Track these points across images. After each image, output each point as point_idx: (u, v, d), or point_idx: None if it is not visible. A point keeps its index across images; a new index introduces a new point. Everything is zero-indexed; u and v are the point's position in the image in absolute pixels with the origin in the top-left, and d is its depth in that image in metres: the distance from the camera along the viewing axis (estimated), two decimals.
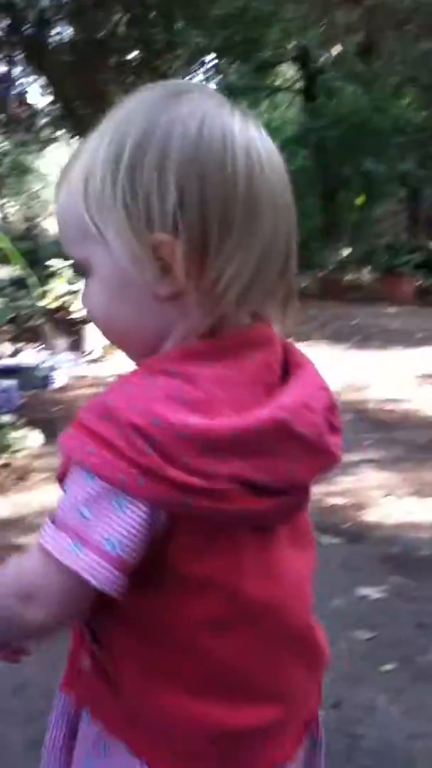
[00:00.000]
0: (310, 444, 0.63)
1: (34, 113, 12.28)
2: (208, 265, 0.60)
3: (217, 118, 0.61)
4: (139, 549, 0.59)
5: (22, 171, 15.55)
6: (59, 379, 5.42)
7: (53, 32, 10.61)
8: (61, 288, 6.27)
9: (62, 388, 5.34)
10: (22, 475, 3.39)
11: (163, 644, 0.66)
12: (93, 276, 0.65)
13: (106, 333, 0.68)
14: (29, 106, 12.25)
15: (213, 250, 0.60)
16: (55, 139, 13.18)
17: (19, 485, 3.29)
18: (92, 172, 0.61)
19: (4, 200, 16.16)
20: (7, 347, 5.88)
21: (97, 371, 5.94)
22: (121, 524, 0.58)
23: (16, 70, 11.84)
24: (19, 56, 11.34)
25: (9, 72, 11.92)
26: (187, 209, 0.59)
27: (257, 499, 0.60)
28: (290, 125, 13.19)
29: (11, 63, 11.71)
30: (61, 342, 6.20)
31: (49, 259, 6.53)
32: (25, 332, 6.09)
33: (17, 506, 3.04)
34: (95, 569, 0.58)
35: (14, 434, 3.57)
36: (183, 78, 10.60)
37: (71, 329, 6.22)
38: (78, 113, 10.46)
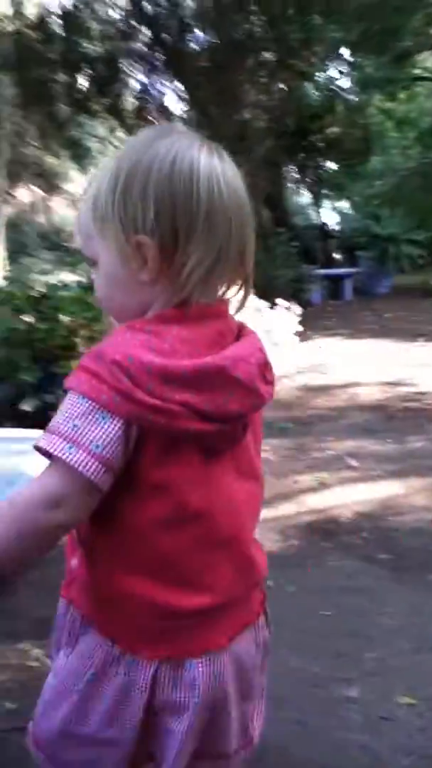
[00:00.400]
0: (243, 385, 0.84)
1: (171, 119, 12.65)
2: (175, 260, 0.84)
3: (186, 155, 0.84)
4: (117, 453, 0.80)
5: None
6: None
7: (191, 38, 10.87)
8: None
9: None
10: None
11: (125, 539, 0.87)
12: (98, 268, 0.91)
13: (107, 308, 0.94)
14: (166, 112, 12.64)
15: (179, 250, 0.84)
16: None
17: None
18: (98, 194, 0.87)
19: None
20: None
21: None
22: (103, 433, 0.79)
23: (155, 78, 12.27)
24: (158, 64, 11.73)
25: (149, 80, 12.37)
26: (161, 220, 0.83)
27: (201, 422, 0.82)
28: (429, 117, 12.69)
29: (152, 72, 12.14)
30: None
31: None
32: None
33: None
34: (87, 464, 0.78)
35: None
36: (321, 72, 10.51)
37: None
38: (213, 118, 10.64)
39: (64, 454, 0.79)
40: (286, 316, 6.56)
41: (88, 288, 3.86)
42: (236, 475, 0.92)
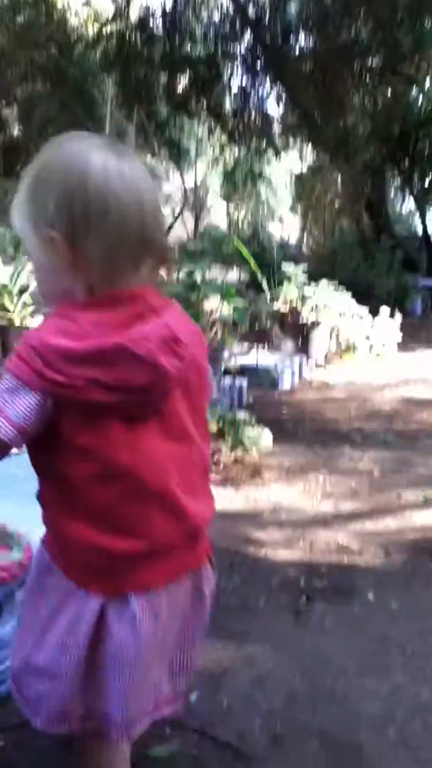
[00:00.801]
0: (143, 361, 0.97)
1: (270, 122, 12.64)
2: (77, 250, 0.99)
3: (83, 157, 0.98)
4: (34, 421, 0.98)
5: (253, 178, 16.10)
6: (286, 382, 5.52)
7: (294, 42, 10.82)
8: (292, 292, 6.37)
9: (289, 391, 5.43)
10: (254, 472, 3.50)
11: (66, 492, 1.05)
12: (30, 258, 1.08)
13: (41, 294, 1.10)
14: (266, 115, 12.64)
15: (79, 242, 0.98)
16: (287, 147, 13.45)
17: (252, 480, 3.40)
18: (20, 196, 1.03)
19: (235, 205, 16.86)
20: (239, 347, 6.10)
21: (323, 376, 5.97)
22: (24, 405, 0.97)
23: (256, 81, 12.29)
24: (260, 67, 11.74)
25: (249, 83, 12.40)
26: (62, 216, 0.98)
27: (105, 394, 0.97)
28: None
29: (252, 74, 12.17)
30: (289, 345, 6.30)
31: (275, 263, 6.67)
32: (255, 334, 6.28)
33: (250, 501, 3.15)
34: (2, 427, 0.97)
35: (249, 431, 3.68)
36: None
37: (299, 333, 6.30)
38: (314, 122, 10.55)
39: None
40: (387, 324, 6.43)
41: (189, 286, 3.91)
42: (164, 437, 1.06)
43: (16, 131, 15.11)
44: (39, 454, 1.06)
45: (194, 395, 1.11)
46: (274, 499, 3.15)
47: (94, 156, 0.99)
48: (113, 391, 0.97)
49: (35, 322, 6.34)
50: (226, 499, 3.15)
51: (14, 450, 1.01)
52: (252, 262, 6.42)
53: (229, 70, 12.30)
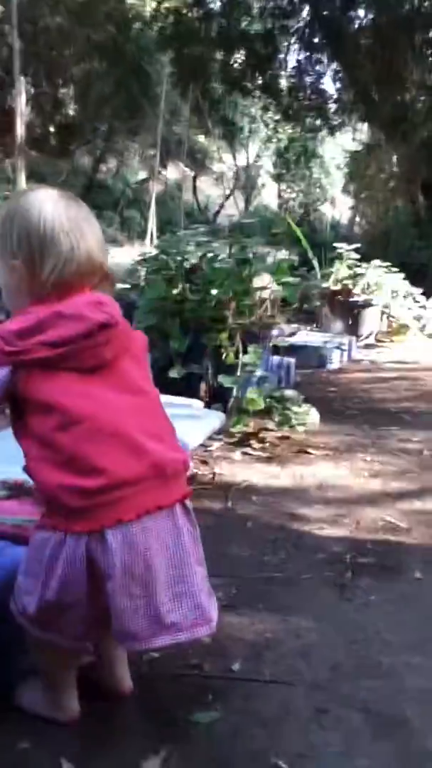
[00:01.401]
0: (71, 317, 1.28)
1: (326, 100, 12.40)
2: (34, 275, 1.32)
3: (36, 204, 1.33)
4: (3, 387, 1.27)
5: (306, 157, 15.85)
6: (335, 361, 5.45)
7: (353, 16, 10.56)
8: (343, 272, 6.27)
9: (337, 370, 5.37)
10: (300, 449, 3.48)
11: (38, 444, 1.29)
12: (2, 273, 1.38)
13: (9, 306, 1.40)
14: (322, 92, 12.40)
15: (36, 266, 1.32)
16: (342, 125, 13.19)
17: (299, 458, 3.37)
18: None
19: (288, 185, 16.65)
20: (287, 326, 6.05)
21: (372, 356, 5.87)
22: None
23: (313, 57, 12.05)
24: (317, 43, 11.49)
25: (306, 59, 12.16)
26: (22, 250, 1.32)
27: (52, 349, 1.27)
28: None
29: (309, 50, 11.93)
30: (338, 324, 6.22)
31: (326, 243, 6.57)
32: (305, 312, 6.21)
33: (296, 478, 3.12)
34: None
35: (297, 409, 3.66)
36: None
37: (349, 313, 6.21)
38: (371, 99, 10.31)
39: None
40: None
41: (240, 262, 3.88)
42: (118, 390, 1.32)
43: (71, 111, 15.21)
44: (16, 419, 1.34)
45: (136, 359, 1.40)
46: (321, 477, 3.12)
47: (47, 204, 1.34)
48: (57, 347, 1.27)
49: None
50: (271, 475, 3.13)
51: None
52: (303, 240, 6.34)
53: (285, 47, 12.10)
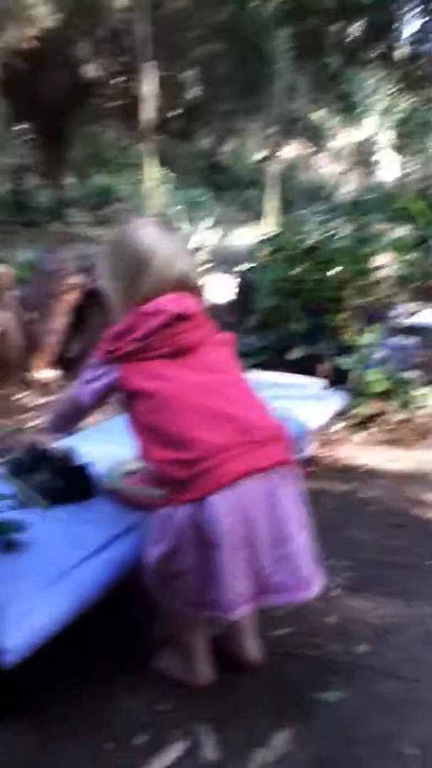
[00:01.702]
0: (154, 312, 1.49)
1: None
2: (135, 290, 1.54)
3: (137, 235, 1.58)
4: (107, 384, 1.54)
5: (427, 129, 15.14)
6: None
7: None
8: None
9: None
10: (422, 433, 3.38)
11: (141, 427, 1.48)
12: (106, 299, 1.64)
13: (114, 316, 1.60)
14: None
15: (135, 285, 1.55)
16: None
17: (421, 442, 3.28)
18: (101, 266, 1.69)
19: (407, 158, 15.99)
20: (408, 305, 5.86)
21: None
22: (100, 375, 1.54)
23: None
24: None
25: (425, 27, 11.59)
26: (125, 272, 1.57)
27: (139, 342, 1.49)
28: None
29: (429, 16, 11.36)
30: None
31: None
32: (426, 291, 5.99)
33: (420, 462, 3.04)
34: (85, 397, 1.60)
35: (418, 391, 3.55)
36: None
37: None
38: None
39: (78, 386, 1.62)
40: None
41: (360, 240, 3.80)
42: (201, 371, 1.49)
43: (194, 93, 15.34)
44: (126, 412, 1.52)
45: (229, 354, 1.59)
46: None
47: (145, 233, 1.58)
48: (142, 339, 1.48)
49: (210, 278, 6.52)
50: (393, 458, 3.07)
51: None
52: (426, 216, 6.09)
53: (402, 14, 11.59)
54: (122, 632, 1.69)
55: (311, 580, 1.44)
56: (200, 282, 1.64)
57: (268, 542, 1.39)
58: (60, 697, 1.52)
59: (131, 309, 1.53)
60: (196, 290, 1.60)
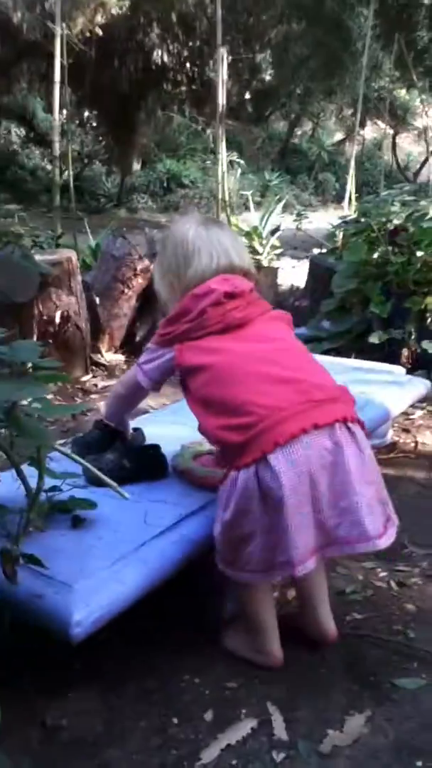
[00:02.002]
0: (204, 294, 1.55)
1: None
2: (183, 280, 1.60)
3: (183, 228, 1.64)
4: (164, 369, 1.62)
5: None
6: None
7: None
8: None
9: None
10: None
11: (199, 403, 1.53)
12: (159, 295, 1.72)
13: (165, 307, 1.68)
14: None
15: (182, 275, 1.61)
16: None
17: None
18: (156, 261, 1.78)
19: None
20: None
21: None
22: (155, 357, 1.62)
23: None
24: None
25: None
26: (172, 264, 1.64)
27: (191, 322, 1.55)
28: None
29: None
30: None
31: None
32: None
33: None
34: (141, 378, 1.66)
35: None
36: None
37: None
38: None
39: (135, 371, 1.68)
40: None
41: None
42: (254, 341, 1.53)
43: (268, 76, 15.17)
44: (184, 390, 1.58)
45: (283, 327, 1.62)
46: None
47: (191, 225, 1.63)
48: (194, 320, 1.53)
49: (281, 263, 6.46)
50: None
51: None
52: None
53: None
54: (192, 610, 1.70)
55: (376, 534, 1.43)
56: (251, 269, 1.68)
57: (330, 495, 1.39)
58: (128, 673, 1.55)
59: (181, 299, 1.59)
60: (248, 274, 1.64)
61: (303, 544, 1.37)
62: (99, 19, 9.03)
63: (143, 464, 1.76)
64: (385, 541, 1.46)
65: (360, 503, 1.40)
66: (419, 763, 1.32)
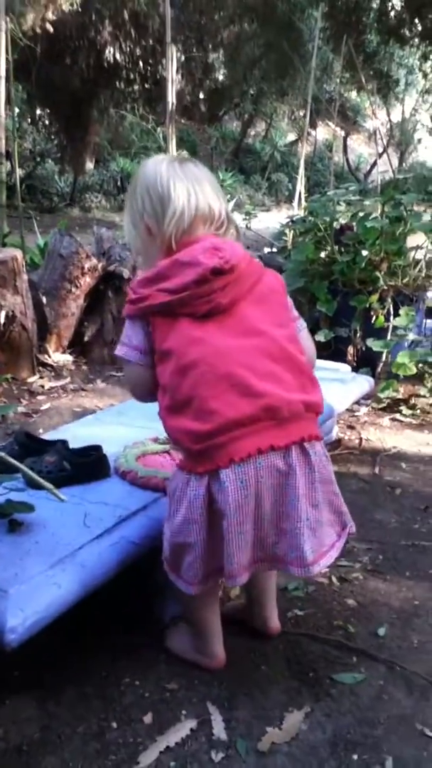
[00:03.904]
0: (187, 264, 1.37)
1: None
2: (159, 225, 1.43)
3: (151, 168, 1.45)
4: (142, 339, 1.42)
5: None
6: None
7: None
8: None
9: None
10: None
11: (163, 391, 1.40)
12: (133, 246, 1.55)
13: (140, 263, 1.58)
14: None
15: (159, 219, 1.43)
16: None
17: None
18: (125, 210, 1.53)
19: None
20: None
21: None
22: (135, 332, 1.43)
23: None
24: None
25: None
26: (146, 208, 1.44)
27: (170, 294, 1.36)
28: None
29: None
30: None
31: None
32: None
33: None
34: (123, 353, 1.45)
35: None
36: None
37: None
38: None
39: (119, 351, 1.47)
40: None
41: (395, 219, 3.71)
42: (233, 334, 1.36)
43: (221, 75, 15.20)
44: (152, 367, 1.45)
45: (271, 307, 1.43)
46: None
47: (163, 164, 1.45)
48: (174, 292, 1.36)
49: None
50: (422, 442, 3.02)
51: None
52: None
53: None
54: (133, 612, 1.69)
55: (311, 560, 1.37)
56: (231, 216, 1.49)
57: (273, 516, 1.36)
58: (67, 678, 1.52)
59: (161, 255, 1.42)
60: (234, 227, 1.48)
61: (238, 560, 1.34)
62: (50, 15, 8.89)
63: (84, 466, 1.74)
64: (324, 564, 1.41)
65: (301, 529, 1.35)
66: (355, 757, 1.34)
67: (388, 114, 15.55)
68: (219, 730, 1.39)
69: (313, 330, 3.81)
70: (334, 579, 1.93)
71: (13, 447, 1.82)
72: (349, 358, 3.65)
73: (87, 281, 3.91)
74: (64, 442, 1.78)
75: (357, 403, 3.18)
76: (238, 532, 1.33)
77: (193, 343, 1.34)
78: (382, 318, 3.57)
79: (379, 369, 3.64)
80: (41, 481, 1.57)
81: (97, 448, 1.80)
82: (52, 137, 13.74)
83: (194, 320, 1.35)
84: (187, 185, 1.42)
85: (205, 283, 1.35)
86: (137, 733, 1.38)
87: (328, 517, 1.43)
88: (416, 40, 11.49)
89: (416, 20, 10.98)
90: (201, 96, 15.19)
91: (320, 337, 3.66)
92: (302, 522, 1.35)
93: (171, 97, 6.02)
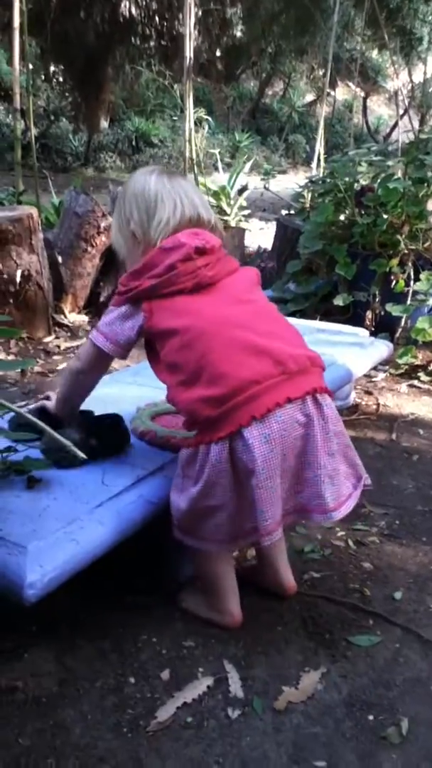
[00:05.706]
0: (173, 248, 1.45)
1: None
2: (147, 232, 1.51)
3: (140, 180, 1.54)
4: (138, 327, 1.47)
5: None
6: None
7: None
8: None
9: None
10: None
11: (168, 368, 1.44)
12: (120, 250, 1.60)
13: (126, 264, 1.59)
14: None
15: (146, 226, 1.51)
16: None
17: None
18: (114, 216, 1.63)
19: None
20: None
21: None
22: (119, 318, 1.50)
23: None
24: None
25: None
26: (134, 215, 1.52)
27: (159, 278, 1.44)
28: None
29: None
30: None
31: None
32: None
33: None
34: (102, 343, 1.50)
35: None
36: None
37: None
38: None
39: (96, 341, 1.52)
40: None
41: (417, 180, 3.62)
42: (226, 302, 1.45)
43: (239, 32, 14.79)
44: (152, 359, 1.50)
45: (252, 288, 1.54)
46: None
47: (152, 176, 1.53)
48: (162, 275, 1.43)
49: (250, 225, 6.38)
50: None
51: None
52: None
53: None
54: (150, 570, 1.69)
55: (333, 506, 1.43)
56: (218, 224, 1.57)
57: (296, 466, 1.40)
58: (84, 634, 1.53)
59: (145, 255, 1.48)
60: (213, 229, 1.55)
61: (271, 515, 1.36)
62: None
63: (109, 441, 1.66)
64: (344, 511, 1.46)
65: (322, 476, 1.40)
66: (370, 717, 1.34)
67: (410, 74, 15.12)
68: (236, 688, 1.40)
69: (331, 294, 3.78)
70: (350, 542, 1.93)
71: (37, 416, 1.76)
72: (368, 322, 3.60)
73: (103, 240, 3.87)
74: (88, 415, 1.71)
75: (375, 368, 3.14)
76: (268, 487, 1.35)
77: (191, 316, 1.41)
78: (402, 282, 3.50)
79: (397, 334, 3.59)
80: (61, 438, 1.56)
81: (113, 417, 1.71)
82: (66, 95, 13.50)
83: (187, 296, 1.43)
84: (174, 197, 1.50)
85: (189, 261, 1.43)
86: (154, 689, 1.39)
87: (344, 468, 1.46)
88: None
89: None
90: (218, 53, 14.80)
91: (339, 301, 3.61)
92: (321, 469, 1.40)
93: (189, 52, 5.85)
